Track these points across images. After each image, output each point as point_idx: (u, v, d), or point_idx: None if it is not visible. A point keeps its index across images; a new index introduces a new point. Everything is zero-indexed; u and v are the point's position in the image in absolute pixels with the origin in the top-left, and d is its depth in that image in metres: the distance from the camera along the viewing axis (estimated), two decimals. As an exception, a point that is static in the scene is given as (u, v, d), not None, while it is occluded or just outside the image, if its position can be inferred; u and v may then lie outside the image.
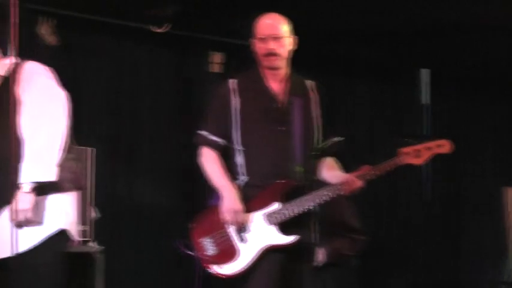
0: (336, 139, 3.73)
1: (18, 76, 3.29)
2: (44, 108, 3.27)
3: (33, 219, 3.18)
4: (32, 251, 3.18)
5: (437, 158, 3.66)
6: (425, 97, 7.38)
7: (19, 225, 3.14)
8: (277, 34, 3.60)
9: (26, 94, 3.27)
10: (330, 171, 3.65)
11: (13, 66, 3.32)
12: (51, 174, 3.20)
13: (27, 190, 3.15)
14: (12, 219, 3.13)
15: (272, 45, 3.58)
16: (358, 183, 3.49)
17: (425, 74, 7.40)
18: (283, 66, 3.66)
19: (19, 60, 3.32)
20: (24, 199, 3.15)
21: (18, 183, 3.17)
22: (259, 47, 3.62)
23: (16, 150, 3.17)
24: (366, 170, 3.51)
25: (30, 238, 3.19)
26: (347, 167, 3.63)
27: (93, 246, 4.65)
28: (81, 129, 5.72)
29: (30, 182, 3.16)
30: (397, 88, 7.46)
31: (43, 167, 3.19)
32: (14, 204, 3.14)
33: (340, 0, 5.47)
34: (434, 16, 5.86)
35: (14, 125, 3.20)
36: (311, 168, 3.61)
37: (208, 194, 3.87)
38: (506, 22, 5.89)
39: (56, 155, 3.23)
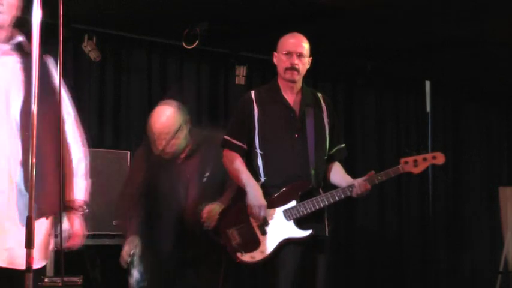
0: (341, 145, 3.79)
1: (49, 66, 2.79)
2: (74, 116, 2.92)
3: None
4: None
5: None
6: (429, 106, 7.41)
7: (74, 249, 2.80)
8: (300, 52, 3.67)
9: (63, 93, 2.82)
10: (339, 175, 3.73)
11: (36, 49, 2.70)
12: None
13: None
14: (73, 245, 2.78)
15: (295, 61, 3.64)
16: (367, 187, 3.55)
17: (429, 85, 7.44)
18: (299, 81, 3.72)
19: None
20: (83, 224, 2.81)
21: (77, 202, 2.79)
22: (283, 61, 3.68)
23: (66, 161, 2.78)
24: (372, 175, 3.58)
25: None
26: (359, 171, 3.68)
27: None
28: (120, 135, 5.82)
29: (85, 201, 2.84)
30: (405, 97, 7.49)
31: (88, 184, 2.89)
32: (76, 229, 2.77)
33: (351, 19, 5.49)
34: (438, 33, 5.86)
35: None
36: (322, 172, 3.68)
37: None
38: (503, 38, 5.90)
39: None
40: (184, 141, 3.89)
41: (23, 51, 2.76)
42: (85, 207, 2.82)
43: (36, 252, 2.30)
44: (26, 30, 2.56)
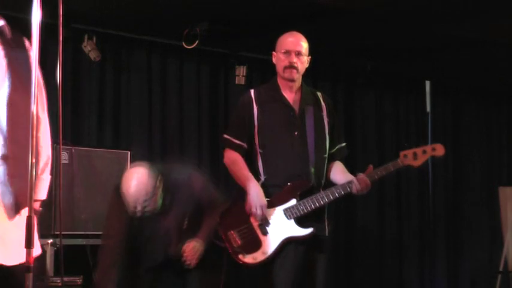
0: (342, 144, 3.79)
1: (31, 54, 2.35)
2: (47, 112, 2.74)
3: None
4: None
5: (439, 159, 3.70)
6: (429, 105, 7.41)
7: None
8: (299, 51, 3.67)
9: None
10: (339, 173, 3.73)
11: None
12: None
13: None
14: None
15: (294, 60, 3.64)
16: (367, 182, 3.54)
17: (429, 85, 7.44)
18: (298, 79, 3.72)
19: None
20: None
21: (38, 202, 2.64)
22: (282, 60, 3.68)
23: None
24: (371, 170, 3.57)
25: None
26: (359, 171, 3.67)
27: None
28: (120, 135, 5.82)
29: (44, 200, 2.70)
30: (405, 97, 7.48)
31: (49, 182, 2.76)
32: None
33: (351, 19, 5.49)
34: (438, 33, 5.86)
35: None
36: (323, 170, 3.68)
37: (231, 191, 3.94)
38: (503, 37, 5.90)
39: None
40: (160, 200, 3.78)
41: (3, 36, 2.61)
42: (41, 208, 2.68)
43: (20, 247, 2.20)
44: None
